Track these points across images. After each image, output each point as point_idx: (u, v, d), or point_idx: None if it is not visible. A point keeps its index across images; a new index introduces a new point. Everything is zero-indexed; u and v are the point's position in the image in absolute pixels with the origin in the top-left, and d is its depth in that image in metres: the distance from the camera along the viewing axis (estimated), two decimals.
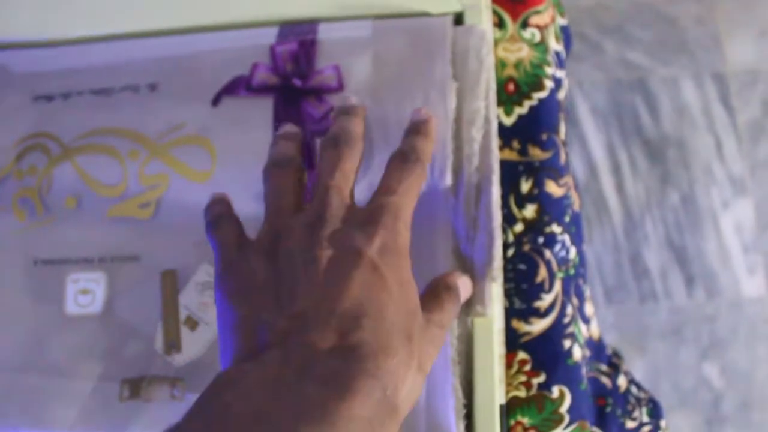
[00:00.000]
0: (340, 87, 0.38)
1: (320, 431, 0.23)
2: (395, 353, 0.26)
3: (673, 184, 1.06)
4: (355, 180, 0.32)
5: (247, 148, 0.38)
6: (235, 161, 0.38)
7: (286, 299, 0.28)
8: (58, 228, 0.39)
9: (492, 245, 0.34)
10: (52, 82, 0.41)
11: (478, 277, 0.34)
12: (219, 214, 0.33)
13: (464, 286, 0.33)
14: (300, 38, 0.39)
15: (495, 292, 0.35)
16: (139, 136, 0.39)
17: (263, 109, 0.38)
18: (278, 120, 0.38)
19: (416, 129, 0.34)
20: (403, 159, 0.32)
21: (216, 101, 0.39)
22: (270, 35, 0.40)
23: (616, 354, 0.52)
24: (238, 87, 0.39)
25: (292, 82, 0.38)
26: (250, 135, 0.38)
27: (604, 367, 0.48)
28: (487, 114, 0.37)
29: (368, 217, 0.30)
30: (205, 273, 0.37)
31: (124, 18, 0.41)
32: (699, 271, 1.03)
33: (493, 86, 0.38)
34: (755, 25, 1.11)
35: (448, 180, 0.36)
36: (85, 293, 0.37)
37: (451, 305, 0.31)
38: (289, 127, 0.36)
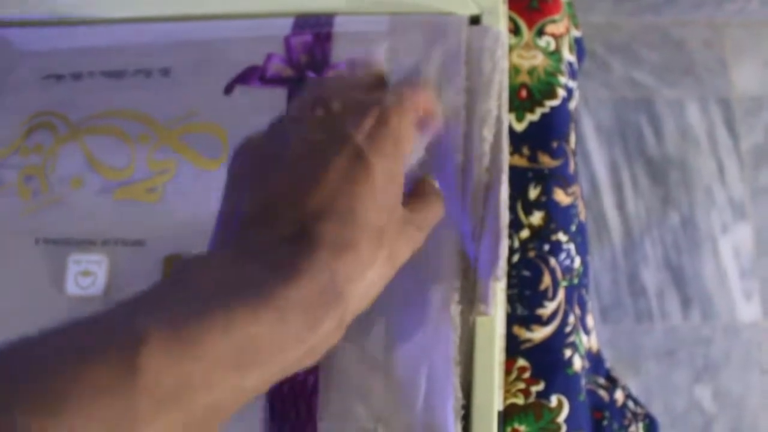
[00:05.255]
0: None
1: (251, 310, 0.23)
2: (355, 247, 0.25)
3: (674, 205, 1.06)
4: None
5: None
6: None
7: (261, 188, 0.27)
8: (61, 208, 0.38)
9: (498, 245, 0.34)
10: (62, 61, 0.41)
11: (483, 276, 0.34)
12: None
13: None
14: (315, 31, 0.39)
15: (498, 292, 0.35)
16: (149, 121, 0.39)
17: (277, 100, 0.38)
18: None
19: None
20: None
21: (229, 90, 0.39)
22: (285, 26, 0.40)
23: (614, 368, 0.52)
24: (251, 77, 0.39)
25: (306, 74, 0.38)
26: (263, 126, 0.38)
27: (601, 380, 0.47)
28: (499, 114, 0.37)
29: (365, 106, 0.28)
30: None
31: (139, 1, 0.41)
32: (695, 294, 1.03)
33: (506, 87, 0.38)
34: (762, 53, 1.12)
35: (456, 178, 0.36)
36: (87, 275, 0.37)
37: (435, 208, 0.31)
38: None
